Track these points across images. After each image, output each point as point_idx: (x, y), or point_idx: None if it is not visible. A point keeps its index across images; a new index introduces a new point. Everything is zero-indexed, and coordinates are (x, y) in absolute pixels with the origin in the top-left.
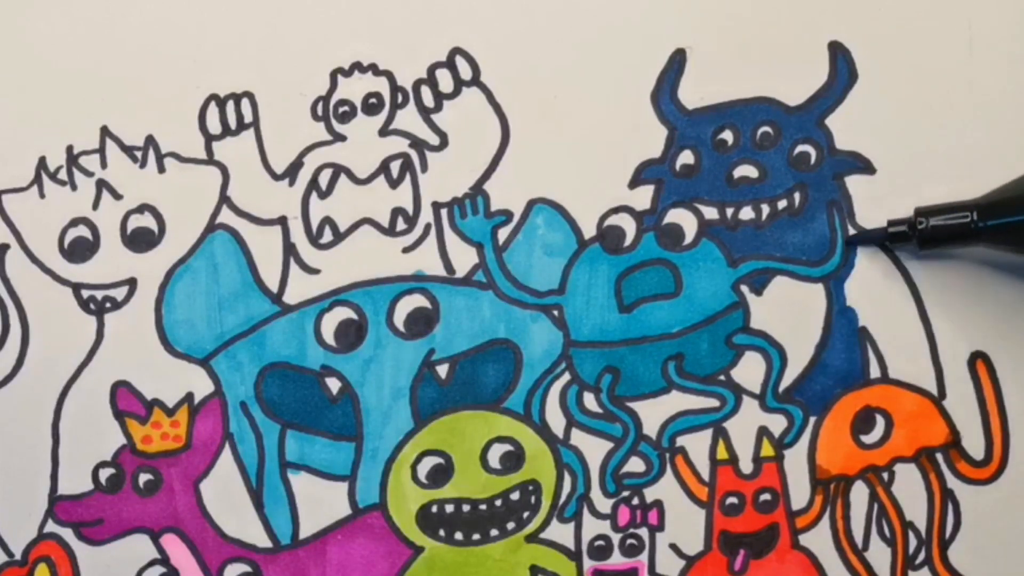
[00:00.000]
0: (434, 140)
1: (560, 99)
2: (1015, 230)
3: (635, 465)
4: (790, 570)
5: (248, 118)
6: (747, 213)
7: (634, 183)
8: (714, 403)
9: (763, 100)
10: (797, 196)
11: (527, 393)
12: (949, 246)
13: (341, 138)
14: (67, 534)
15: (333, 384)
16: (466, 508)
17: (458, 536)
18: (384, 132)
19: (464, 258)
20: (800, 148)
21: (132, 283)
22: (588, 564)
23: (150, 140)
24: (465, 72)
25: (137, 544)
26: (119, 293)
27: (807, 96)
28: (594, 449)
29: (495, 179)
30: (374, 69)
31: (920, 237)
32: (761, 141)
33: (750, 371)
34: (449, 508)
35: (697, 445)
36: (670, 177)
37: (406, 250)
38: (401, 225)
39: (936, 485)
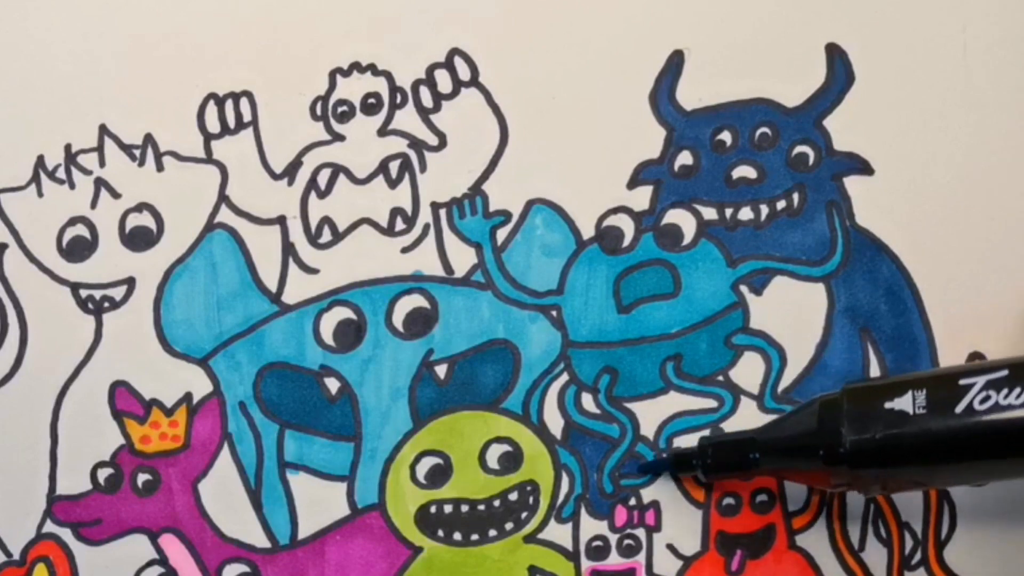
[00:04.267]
0: (433, 140)
1: (559, 100)
2: (787, 464)
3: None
4: (787, 570)
5: (247, 117)
6: (746, 213)
7: (633, 184)
8: (712, 404)
9: (761, 101)
10: (796, 196)
11: (525, 393)
12: (732, 475)
13: (340, 138)
14: (65, 534)
15: (332, 384)
16: (465, 508)
17: (457, 536)
18: (383, 132)
19: (463, 258)
20: (798, 149)
21: (131, 282)
22: (586, 564)
23: (148, 139)
24: (464, 73)
25: (135, 544)
26: (117, 293)
27: (805, 97)
28: (592, 449)
29: (494, 179)
30: (373, 69)
31: (703, 466)
32: (759, 142)
33: (749, 372)
34: (448, 508)
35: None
36: (669, 178)
37: (405, 250)
38: (400, 225)
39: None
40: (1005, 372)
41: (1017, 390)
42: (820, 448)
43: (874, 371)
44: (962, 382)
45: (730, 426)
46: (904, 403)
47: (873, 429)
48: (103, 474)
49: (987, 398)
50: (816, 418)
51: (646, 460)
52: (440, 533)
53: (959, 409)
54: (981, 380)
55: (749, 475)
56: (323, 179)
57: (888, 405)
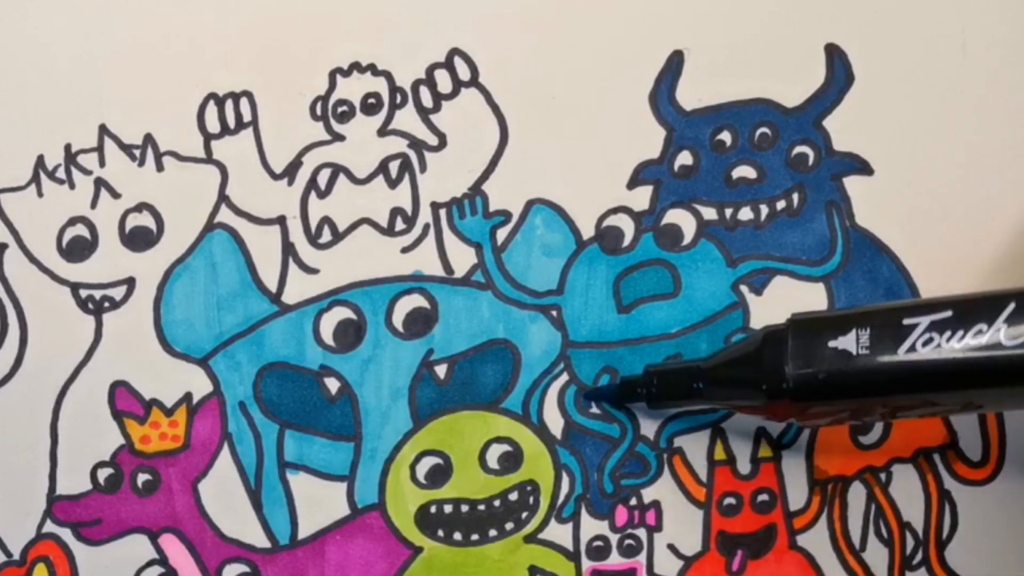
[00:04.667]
0: (433, 140)
1: (558, 100)
2: (730, 394)
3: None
4: (788, 570)
5: (247, 117)
6: (746, 214)
7: (632, 184)
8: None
9: (761, 101)
10: (796, 197)
11: (525, 393)
12: (676, 404)
13: (340, 138)
14: (65, 534)
15: (332, 384)
16: (465, 508)
17: (457, 536)
18: (383, 132)
19: (463, 258)
20: (798, 149)
21: (130, 282)
22: (587, 564)
23: (148, 139)
24: (464, 73)
25: (135, 544)
26: (117, 292)
27: (805, 98)
28: (592, 450)
29: (494, 179)
30: (373, 69)
31: (648, 396)
32: (759, 142)
33: None
34: (448, 508)
35: (695, 446)
36: (668, 178)
37: (405, 250)
38: (400, 225)
39: (933, 486)
40: (949, 313)
41: (960, 332)
42: (763, 382)
43: None
44: (906, 322)
45: (731, 426)
46: (848, 342)
47: (816, 366)
48: (103, 474)
49: (930, 340)
50: (760, 350)
51: (588, 390)
52: (440, 533)
53: (901, 350)
54: (925, 321)
55: (692, 404)
56: (323, 179)
57: (832, 344)
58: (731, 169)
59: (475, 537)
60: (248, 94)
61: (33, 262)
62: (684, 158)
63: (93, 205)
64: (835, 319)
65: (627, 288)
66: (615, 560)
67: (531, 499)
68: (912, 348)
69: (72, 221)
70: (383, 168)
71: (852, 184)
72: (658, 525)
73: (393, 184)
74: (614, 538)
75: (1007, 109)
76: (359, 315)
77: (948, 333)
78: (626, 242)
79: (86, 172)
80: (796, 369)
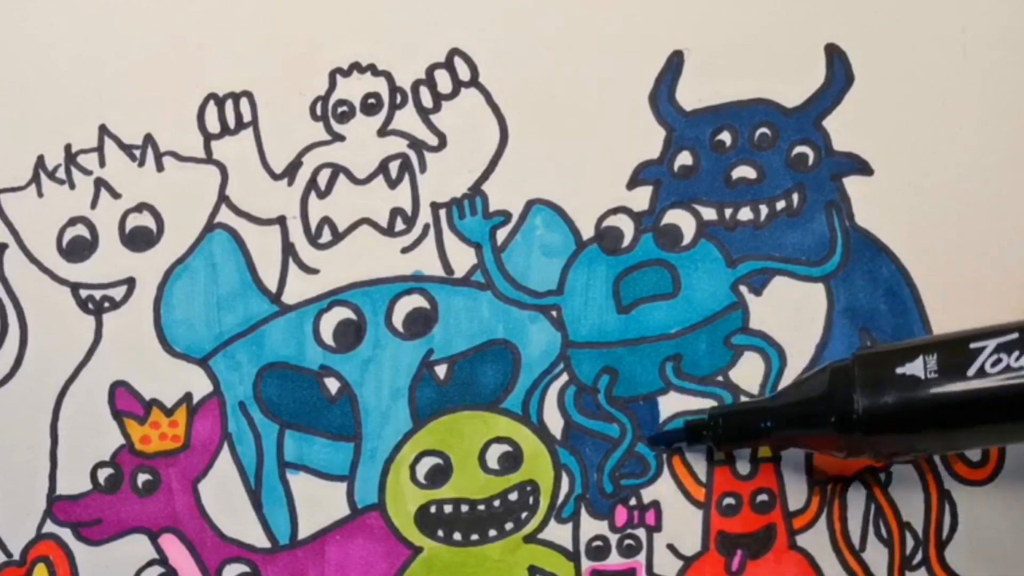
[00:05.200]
0: (433, 141)
1: (558, 100)
2: (800, 432)
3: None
4: (787, 570)
5: (247, 117)
6: (746, 214)
7: (632, 184)
8: (712, 404)
9: (761, 102)
10: (796, 197)
11: (525, 394)
12: (744, 444)
13: (340, 138)
14: (65, 534)
15: (332, 384)
16: (464, 508)
17: (457, 536)
18: (383, 132)
19: (463, 258)
20: (798, 149)
21: (130, 283)
22: (586, 564)
23: (149, 139)
24: (464, 73)
25: (135, 544)
26: (117, 293)
27: (805, 98)
28: (592, 450)
29: (493, 180)
30: (373, 69)
31: (713, 437)
32: (759, 142)
33: (748, 372)
34: (448, 508)
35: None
36: (668, 178)
37: (405, 250)
38: (400, 225)
39: (933, 486)
40: (1015, 335)
41: None
42: (832, 415)
43: None
44: (972, 345)
45: None
46: (916, 368)
47: (886, 394)
48: (103, 474)
49: (998, 361)
50: (828, 385)
51: (656, 434)
52: (440, 533)
53: (971, 372)
54: (992, 343)
55: (760, 444)
56: (323, 179)
57: (900, 370)
58: (731, 169)
59: (475, 537)
60: (248, 94)
61: (33, 262)
62: (684, 158)
63: (93, 205)
64: (901, 348)
65: (627, 288)
66: (615, 560)
67: (531, 499)
68: (981, 370)
69: (72, 221)
70: (383, 168)
71: (852, 184)
72: (658, 525)
73: (393, 184)
74: (614, 538)
75: (1007, 109)
76: (359, 315)
77: (1016, 353)
78: (626, 242)
79: (86, 172)
80: (866, 399)
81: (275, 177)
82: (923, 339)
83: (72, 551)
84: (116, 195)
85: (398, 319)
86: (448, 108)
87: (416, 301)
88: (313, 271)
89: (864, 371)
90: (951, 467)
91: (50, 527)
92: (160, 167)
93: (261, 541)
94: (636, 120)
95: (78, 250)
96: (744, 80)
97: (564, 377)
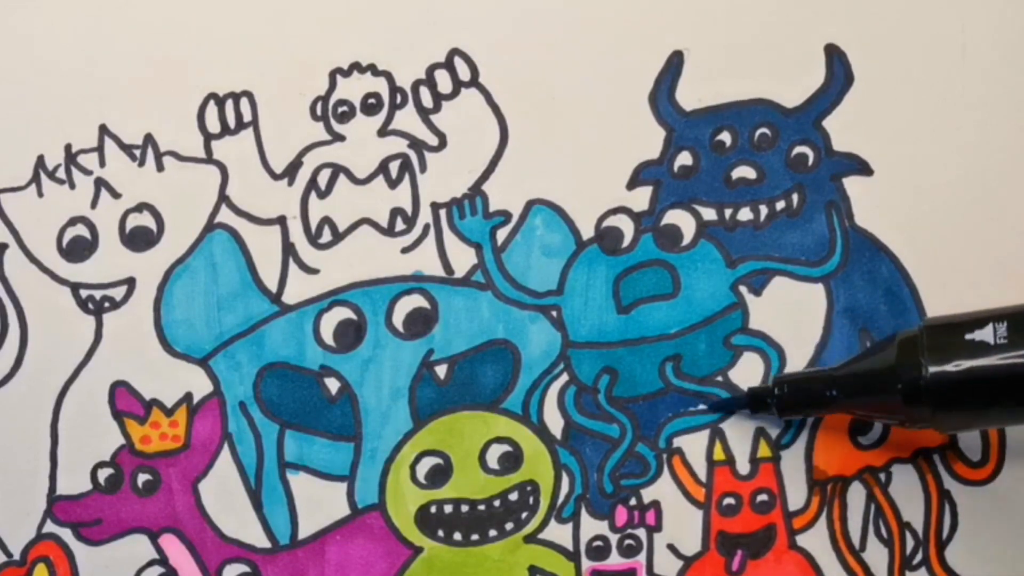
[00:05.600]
0: (433, 141)
1: (558, 100)
2: (865, 400)
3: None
4: (787, 570)
5: (247, 117)
6: (745, 214)
7: (632, 184)
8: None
9: (761, 102)
10: (795, 197)
11: (525, 394)
12: (807, 411)
13: (340, 138)
14: (66, 534)
15: (332, 384)
16: (465, 508)
17: (457, 536)
18: (383, 132)
19: (463, 258)
20: (798, 149)
21: (131, 283)
22: (586, 564)
23: (149, 139)
24: (464, 73)
25: (136, 544)
26: (118, 293)
27: (804, 98)
28: (592, 450)
29: (494, 180)
30: (373, 69)
31: (778, 404)
32: (759, 142)
33: (748, 372)
34: (448, 508)
35: (694, 446)
36: (668, 178)
37: (405, 250)
38: (400, 225)
39: (933, 486)
40: None
41: None
42: (899, 383)
43: None
44: None
45: (730, 427)
46: (985, 334)
47: (954, 361)
48: (103, 474)
49: None
50: (895, 354)
51: (719, 399)
52: (440, 533)
53: None
54: None
55: (825, 412)
56: (323, 179)
57: (968, 336)
58: (731, 169)
59: (475, 537)
60: (248, 94)
61: (33, 262)
62: (684, 158)
63: (93, 205)
64: (971, 317)
65: (627, 288)
66: (615, 560)
67: (531, 499)
68: None
69: (72, 221)
70: (383, 168)
71: (852, 184)
72: (658, 525)
73: (393, 184)
74: (614, 538)
75: (1007, 109)
76: (359, 315)
77: None
78: (626, 242)
79: (86, 172)
80: (934, 365)
81: (275, 177)
82: (991, 309)
83: (72, 551)
84: (116, 195)
85: (398, 319)
86: (448, 108)
87: (416, 301)
88: (313, 271)
89: (932, 338)
90: (951, 467)
91: (50, 527)
92: (160, 167)
93: (261, 541)
94: (636, 120)
95: (78, 250)
96: (744, 80)
97: (564, 377)
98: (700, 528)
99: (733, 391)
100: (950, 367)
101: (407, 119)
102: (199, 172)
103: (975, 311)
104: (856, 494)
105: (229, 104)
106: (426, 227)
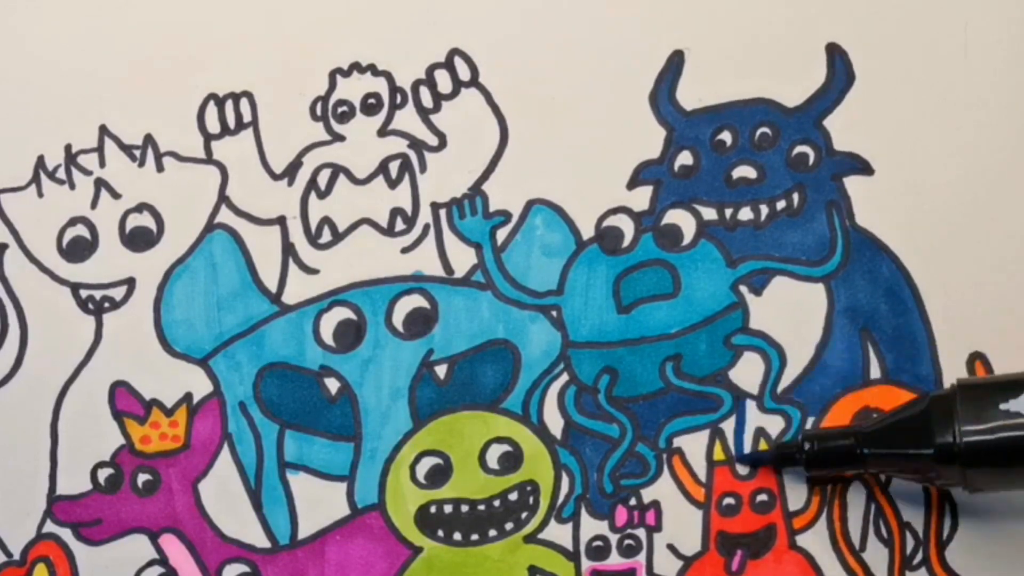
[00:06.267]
0: (433, 141)
1: (558, 100)
2: (895, 459)
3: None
4: (787, 570)
5: (247, 118)
6: (746, 214)
7: (632, 184)
8: (711, 404)
9: (761, 101)
10: (796, 197)
11: (525, 394)
12: (836, 469)
13: (340, 138)
14: (66, 534)
15: (332, 384)
16: (465, 508)
17: (457, 536)
18: (383, 132)
19: (463, 258)
20: (799, 149)
21: (131, 283)
22: (586, 564)
23: (149, 139)
24: (464, 73)
25: (136, 544)
26: (117, 293)
27: (805, 97)
28: (592, 450)
29: (494, 180)
30: (373, 69)
31: (807, 459)
32: (760, 142)
33: (748, 372)
34: (448, 508)
35: (694, 446)
36: (669, 178)
37: (405, 250)
38: (400, 225)
39: (933, 486)
40: None
41: None
42: (931, 446)
43: (874, 371)
44: None
45: (729, 426)
46: (1020, 404)
47: (989, 430)
48: (103, 474)
49: None
50: (926, 413)
51: (744, 454)
52: (440, 533)
53: None
54: None
55: (853, 469)
56: (323, 179)
57: (1004, 406)
58: (731, 169)
59: (475, 537)
60: (248, 94)
61: (33, 262)
62: (684, 158)
63: (93, 205)
64: (1005, 382)
65: (627, 288)
66: (615, 560)
67: (531, 499)
68: None
69: (72, 221)
70: (383, 168)
71: (852, 184)
72: (658, 525)
73: (393, 184)
74: (614, 538)
75: (1008, 109)
76: (359, 315)
77: None
78: (626, 242)
79: (86, 172)
80: (968, 433)
81: (275, 177)
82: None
83: (72, 551)
84: (116, 195)
85: (398, 319)
86: (448, 108)
87: (416, 301)
88: (313, 271)
89: (966, 404)
90: None
91: (50, 527)
92: (160, 167)
93: (261, 541)
94: (636, 120)
95: (78, 250)
96: (744, 80)
97: (564, 377)
98: (700, 528)
99: (733, 391)
100: (985, 435)
101: (407, 119)
102: (199, 172)
103: (1006, 375)
104: (856, 494)
105: (229, 104)
106: (426, 227)
